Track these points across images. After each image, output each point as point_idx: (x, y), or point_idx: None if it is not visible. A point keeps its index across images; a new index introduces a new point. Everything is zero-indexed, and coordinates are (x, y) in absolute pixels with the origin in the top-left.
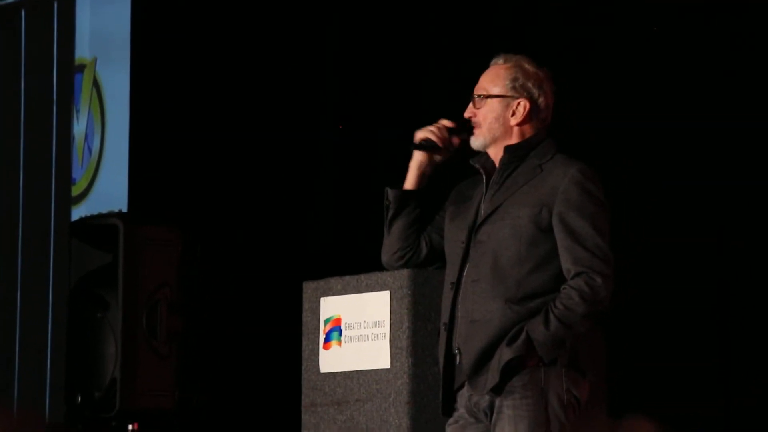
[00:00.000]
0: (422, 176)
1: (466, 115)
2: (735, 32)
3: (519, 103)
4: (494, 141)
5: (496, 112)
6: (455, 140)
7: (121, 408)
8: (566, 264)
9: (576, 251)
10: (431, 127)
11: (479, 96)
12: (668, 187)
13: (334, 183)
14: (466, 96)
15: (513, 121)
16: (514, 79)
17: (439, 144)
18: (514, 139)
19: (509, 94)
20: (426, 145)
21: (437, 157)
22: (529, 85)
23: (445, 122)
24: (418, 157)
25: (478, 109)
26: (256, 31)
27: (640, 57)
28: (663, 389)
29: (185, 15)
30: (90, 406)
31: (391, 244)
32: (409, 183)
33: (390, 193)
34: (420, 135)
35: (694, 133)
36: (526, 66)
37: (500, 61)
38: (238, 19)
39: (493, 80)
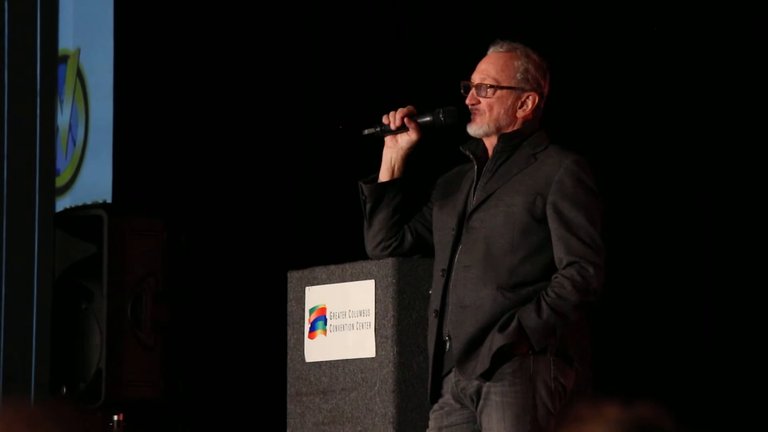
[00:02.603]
0: (392, 165)
1: (469, 101)
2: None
3: (528, 96)
4: (497, 131)
5: (506, 103)
6: (410, 124)
7: (106, 399)
8: (559, 253)
9: (569, 241)
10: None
11: (487, 85)
12: (654, 180)
13: (319, 172)
14: (453, 82)
15: (520, 114)
16: (526, 71)
17: (391, 126)
18: (511, 129)
19: (521, 86)
20: (378, 131)
21: (403, 144)
22: (538, 77)
23: (406, 108)
24: (385, 147)
25: (483, 97)
26: (241, 21)
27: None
28: (647, 379)
29: (170, 5)
30: (75, 397)
31: (373, 236)
32: (382, 175)
33: (364, 188)
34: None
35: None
36: (534, 57)
37: (502, 48)
38: (224, 9)
39: (504, 70)
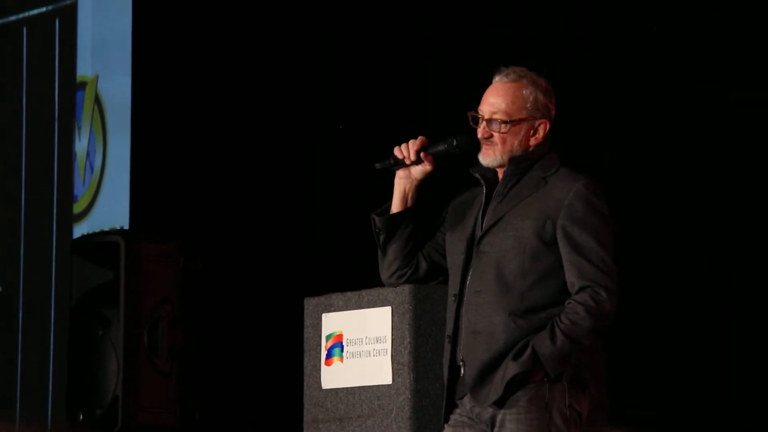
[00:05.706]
0: (406, 196)
1: (482, 135)
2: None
3: (540, 124)
4: (510, 159)
5: (519, 135)
6: (426, 157)
7: (122, 425)
8: (571, 278)
9: (581, 265)
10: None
11: (499, 120)
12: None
13: (335, 198)
14: (465, 107)
15: (533, 141)
16: (535, 100)
17: (406, 161)
18: (522, 152)
19: (532, 115)
20: (390, 164)
21: (416, 175)
22: (547, 102)
23: (419, 140)
24: (397, 178)
25: (497, 132)
26: (257, 49)
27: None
28: (660, 399)
29: (187, 31)
30: (92, 423)
31: (388, 265)
32: (395, 206)
33: (377, 220)
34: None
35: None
36: (539, 82)
37: (508, 77)
38: (240, 35)
39: (514, 102)
